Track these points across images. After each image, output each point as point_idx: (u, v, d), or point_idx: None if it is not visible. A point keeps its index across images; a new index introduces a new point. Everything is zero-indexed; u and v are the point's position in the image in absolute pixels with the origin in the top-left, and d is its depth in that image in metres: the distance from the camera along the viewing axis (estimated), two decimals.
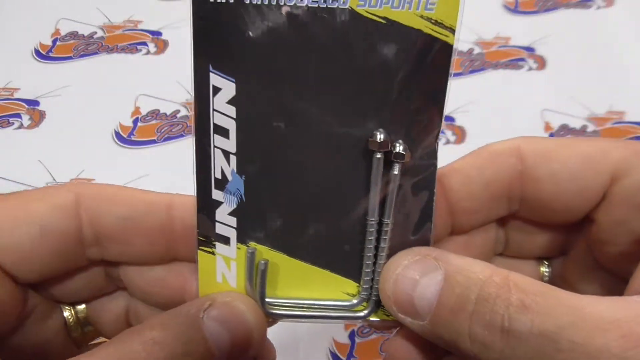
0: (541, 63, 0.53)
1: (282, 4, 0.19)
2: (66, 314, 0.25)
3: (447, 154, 0.50)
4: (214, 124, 0.20)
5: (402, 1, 0.19)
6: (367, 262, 0.22)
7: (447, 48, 0.19)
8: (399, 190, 0.21)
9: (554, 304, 0.18)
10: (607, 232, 0.23)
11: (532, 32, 0.55)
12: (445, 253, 0.21)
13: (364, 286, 0.22)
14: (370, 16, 0.19)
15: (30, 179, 0.45)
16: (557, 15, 0.56)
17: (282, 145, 0.21)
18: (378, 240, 0.22)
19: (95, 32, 0.55)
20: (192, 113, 0.50)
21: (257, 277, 0.22)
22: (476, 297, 0.19)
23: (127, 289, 0.25)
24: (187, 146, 0.47)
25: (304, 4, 0.19)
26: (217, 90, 0.20)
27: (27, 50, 0.53)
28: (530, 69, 0.53)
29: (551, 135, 0.48)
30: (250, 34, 0.19)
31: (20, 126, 0.48)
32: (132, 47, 0.54)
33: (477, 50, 0.54)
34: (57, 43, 0.54)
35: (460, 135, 0.48)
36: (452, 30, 0.19)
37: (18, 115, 0.49)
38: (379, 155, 0.21)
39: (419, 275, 0.20)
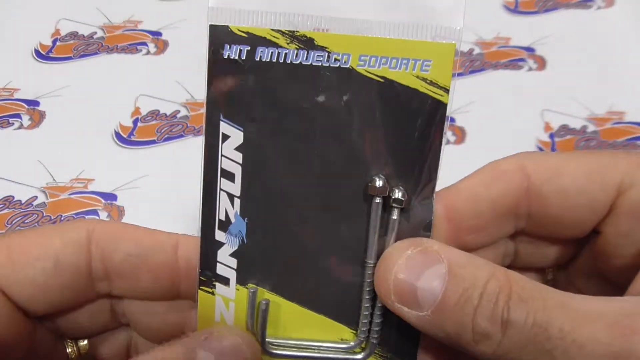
0: (541, 63, 0.53)
1: (288, 61, 0.20)
2: (69, 350, 0.26)
3: (447, 154, 0.50)
4: (222, 168, 0.22)
5: (399, 62, 0.20)
6: (366, 305, 0.23)
7: (442, 106, 0.21)
8: (397, 235, 0.22)
9: (546, 298, 0.19)
10: (612, 244, 0.23)
11: (532, 32, 0.55)
12: (445, 246, 0.21)
13: (362, 329, 0.23)
14: (369, 75, 0.20)
15: (30, 179, 0.45)
16: (557, 15, 0.56)
17: (285, 192, 0.22)
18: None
19: (95, 32, 0.55)
20: (192, 114, 0.50)
21: (258, 317, 0.23)
22: (481, 292, 0.19)
23: (130, 324, 0.26)
24: (187, 146, 0.48)
25: (309, 62, 0.20)
26: (226, 137, 0.21)
27: (27, 50, 0.53)
28: (530, 69, 0.53)
29: (551, 135, 0.48)
30: (259, 88, 0.21)
31: (20, 126, 0.48)
32: (132, 47, 0.54)
33: (477, 50, 0.54)
34: (57, 43, 0.54)
35: (460, 135, 0.48)
36: (446, 90, 0.20)
37: (18, 116, 0.49)
38: (377, 200, 0.22)
39: (423, 267, 0.20)
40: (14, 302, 0.22)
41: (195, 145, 0.48)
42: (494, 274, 0.20)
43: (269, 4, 0.20)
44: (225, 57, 0.20)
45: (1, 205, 0.44)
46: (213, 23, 0.20)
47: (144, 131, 0.48)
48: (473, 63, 0.53)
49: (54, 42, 0.54)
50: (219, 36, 0.20)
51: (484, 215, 0.24)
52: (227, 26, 0.20)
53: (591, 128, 0.49)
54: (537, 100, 0.51)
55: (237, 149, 0.21)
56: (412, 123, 0.21)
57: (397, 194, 0.21)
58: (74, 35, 0.55)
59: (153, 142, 0.48)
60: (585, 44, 0.54)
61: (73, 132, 0.48)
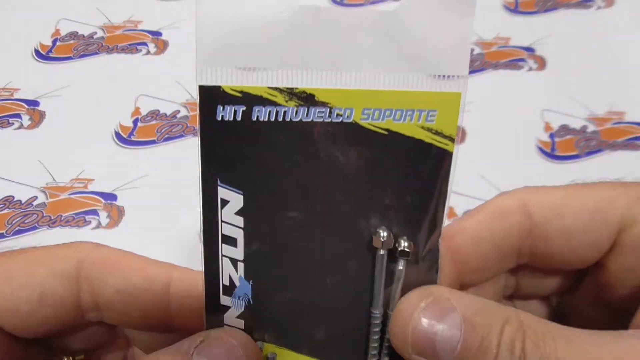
0: (541, 63, 0.53)
1: (288, 120, 0.19)
2: None
3: None
4: (222, 234, 0.21)
5: (404, 114, 0.20)
6: (373, 353, 0.23)
7: (447, 155, 0.20)
8: (404, 284, 0.22)
9: (557, 339, 0.19)
10: (615, 277, 0.23)
11: (532, 32, 0.55)
12: (455, 292, 0.21)
13: None
14: (373, 129, 0.20)
15: (30, 179, 0.45)
16: (557, 15, 0.57)
17: (289, 251, 0.21)
18: (383, 331, 0.22)
19: (95, 32, 0.55)
20: (192, 113, 0.50)
21: None
22: (498, 341, 0.19)
23: (127, 339, 0.26)
24: (186, 146, 0.48)
25: (310, 119, 0.19)
26: (225, 202, 0.20)
27: (27, 50, 0.53)
28: (530, 69, 0.53)
29: (551, 135, 0.48)
30: (258, 148, 0.20)
31: (20, 126, 0.48)
32: (132, 47, 0.54)
33: (477, 50, 0.54)
34: (57, 43, 0.54)
35: (461, 135, 0.48)
36: (452, 139, 0.20)
37: (18, 116, 0.49)
38: (382, 252, 0.21)
39: (438, 319, 0.20)
40: (4, 330, 0.22)
41: (196, 146, 0.48)
42: (507, 319, 0.20)
43: (264, 61, 0.19)
44: (219, 119, 0.19)
45: (1, 205, 0.44)
46: (202, 84, 0.19)
47: (144, 131, 0.48)
48: (473, 63, 0.53)
49: (54, 42, 0.54)
50: (210, 97, 0.19)
51: (487, 256, 0.24)
52: (219, 86, 0.19)
53: (591, 128, 0.49)
54: (537, 100, 0.51)
55: (238, 213, 0.21)
56: (418, 174, 0.20)
57: (403, 245, 0.21)
58: (74, 35, 0.55)
59: (153, 142, 0.48)
60: (585, 44, 0.54)
61: (73, 132, 0.48)
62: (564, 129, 0.49)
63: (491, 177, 0.45)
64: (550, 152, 0.48)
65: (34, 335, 0.23)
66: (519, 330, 0.19)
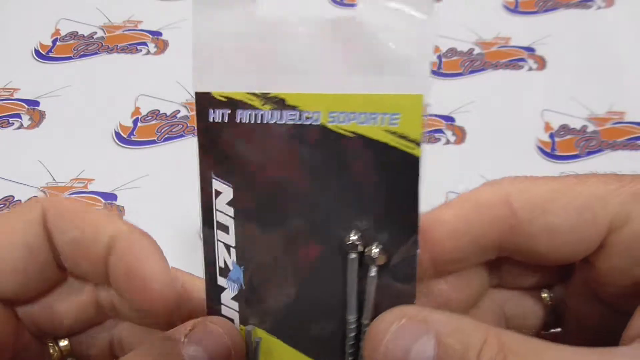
0: (541, 63, 0.53)
1: (265, 122, 0.21)
2: (50, 351, 0.25)
3: (447, 154, 0.50)
4: (217, 221, 0.23)
5: (368, 117, 0.20)
6: None
7: (413, 160, 0.20)
8: (377, 292, 0.22)
9: (542, 358, 0.18)
10: (605, 276, 0.22)
11: (532, 32, 0.55)
12: (432, 312, 0.20)
13: None
14: (340, 131, 0.21)
15: (30, 179, 0.45)
16: (557, 15, 0.57)
17: (272, 243, 0.23)
18: (358, 338, 0.22)
19: (95, 32, 0.55)
20: (192, 113, 0.50)
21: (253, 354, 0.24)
22: None
23: (116, 316, 0.26)
24: (186, 146, 0.48)
25: (283, 121, 0.21)
26: (218, 193, 0.23)
27: (27, 50, 0.53)
28: (530, 69, 0.53)
29: (551, 135, 0.48)
30: (243, 147, 0.22)
31: (20, 126, 0.48)
32: (132, 47, 0.54)
33: (477, 50, 0.54)
34: (57, 43, 0.54)
35: (461, 135, 0.48)
36: (417, 143, 0.20)
37: (18, 116, 0.49)
38: (353, 256, 0.22)
39: (410, 341, 0.19)
40: None
41: (196, 145, 0.48)
42: (486, 340, 0.19)
43: (242, 70, 0.21)
44: (211, 120, 0.22)
45: (1, 205, 0.44)
46: (198, 90, 0.22)
47: (144, 131, 0.48)
48: (473, 63, 0.53)
49: (54, 42, 0.54)
50: (204, 102, 0.22)
51: (464, 249, 0.23)
52: (209, 92, 0.21)
53: (591, 128, 0.49)
54: (537, 100, 0.51)
55: (229, 203, 0.23)
56: (385, 178, 0.21)
57: (373, 251, 0.21)
58: (74, 35, 0.55)
59: (153, 142, 0.48)
60: (585, 44, 0.54)
61: (73, 132, 0.48)
62: (564, 129, 0.49)
63: (491, 177, 0.45)
64: (550, 152, 0.48)
65: (27, 295, 0.23)
66: (499, 352, 0.18)
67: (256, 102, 0.21)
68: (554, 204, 0.22)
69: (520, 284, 0.25)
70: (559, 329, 0.26)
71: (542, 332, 0.26)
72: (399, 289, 0.21)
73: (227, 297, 0.23)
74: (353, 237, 0.21)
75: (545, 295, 0.26)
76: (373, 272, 0.21)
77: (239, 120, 0.21)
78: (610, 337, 0.20)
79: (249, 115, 0.21)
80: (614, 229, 0.21)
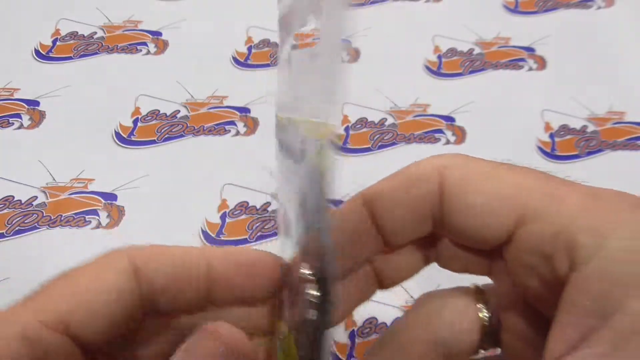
0: (541, 63, 0.53)
1: None
2: None
3: None
4: None
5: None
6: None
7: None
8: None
9: None
10: (516, 273, 0.22)
11: (532, 32, 0.55)
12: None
13: None
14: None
15: (30, 179, 0.45)
16: (557, 15, 0.57)
17: None
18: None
19: (95, 32, 0.55)
20: (192, 114, 0.50)
21: None
22: None
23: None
24: (186, 146, 0.48)
25: None
26: None
27: (27, 50, 0.53)
28: (530, 69, 0.53)
29: (551, 135, 0.48)
30: None
31: (20, 126, 0.48)
32: (132, 47, 0.54)
33: (477, 50, 0.54)
34: (57, 43, 0.54)
35: (460, 135, 0.48)
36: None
37: (18, 116, 0.49)
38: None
39: None
40: (79, 340, 0.22)
41: (195, 145, 0.48)
42: None
43: None
44: None
45: (1, 205, 0.44)
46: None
47: (144, 131, 0.48)
48: (473, 63, 0.53)
49: (54, 42, 0.54)
50: None
51: (402, 220, 0.24)
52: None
53: (591, 128, 0.49)
54: (537, 100, 0.51)
55: None
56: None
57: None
58: (74, 35, 0.55)
59: (153, 142, 0.48)
60: (585, 44, 0.54)
61: (73, 132, 0.48)
62: (564, 129, 0.49)
63: None
64: (550, 152, 0.48)
65: (106, 338, 0.22)
66: None
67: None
68: (479, 185, 0.22)
69: (452, 266, 0.25)
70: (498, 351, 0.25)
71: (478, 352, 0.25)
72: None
73: None
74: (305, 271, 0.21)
75: (484, 311, 0.25)
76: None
77: None
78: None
79: None
80: (522, 222, 0.21)
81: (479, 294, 0.25)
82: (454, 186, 0.23)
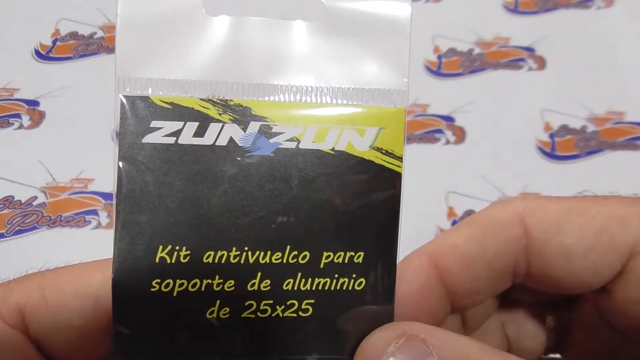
0: (541, 63, 0.53)
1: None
2: None
3: (447, 154, 0.50)
4: None
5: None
6: None
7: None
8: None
9: None
10: (622, 306, 0.20)
11: (532, 32, 0.55)
12: (432, 330, 0.18)
13: None
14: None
15: (30, 179, 0.45)
16: (557, 15, 0.56)
17: None
18: None
19: (95, 32, 0.55)
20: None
21: None
22: None
23: None
24: None
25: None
26: None
27: (27, 50, 0.53)
28: (530, 69, 0.53)
29: (551, 135, 0.48)
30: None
31: (20, 126, 0.48)
32: None
33: (477, 50, 0.54)
34: (57, 43, 0.54)
35: (460, 135, 0.48)
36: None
37: (18, 116, 0.49)
38: None
39: None
40: (46, 352, 0.19)
41: None
42: None
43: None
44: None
45: (1, 205, 0.44)
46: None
47: None
48: (473, 63, 0.53)
49: (54, 42, 0.54)
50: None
51: (479, 277, 0.21)
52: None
53: (591, 128, 0.49)
54: (537, 100, 0.51)
55: None
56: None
57: None
58: (74, 35, 0.55)
59: None
60: (585, 44, 0.54)
61: (73, 132, 0.48)
62: (564, 129, 0.49)
63: (491, 177, 0.45)
64: (550, 152, 0.48)
65: (67, 342, 0.20)
66: None
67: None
68: (570, 224, 0.20)
69: (526, 311, 0.24)
70: (558, 355, 0.25)
71: (543, 356, 0.25)
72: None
73: None
74: None
75: (550, 318, 0.24)
76: None
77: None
78: None
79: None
80: (635, 254, 0.19)
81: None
82: (541, 230, 0.20)
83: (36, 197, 0.44)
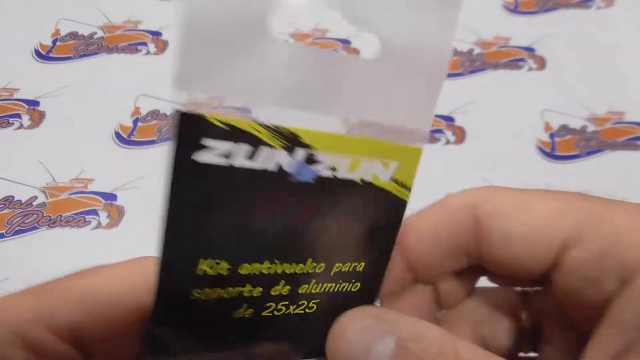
0: (541, 63, 0.53)
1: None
2: None
3: (447, 154, 0.50)
4: None
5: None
6: None
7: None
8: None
9: None
10: (563, 298, 0.22)
11: (532, 32, 0.55)
12: (398, 315, 0.20)
13: None
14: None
15: (30, 179, 0.45)
16: (557, 15, 0.57)
17: None
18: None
19: (95, 32, 0.55)
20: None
21: None
22: None
23: None
24: None
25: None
26: None
27: (27, 50, 0.53)
28: (530, 69, 0.53)
29: (551, 135, 0.48)
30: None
31: (20, 126, 0.48)
32: (132, 47, 0.54)
33: (477, 50, 0.54)
34: (57, 43, 0.54)
35: (460, 135, 0.48)
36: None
37: (18, 116, 0.49)
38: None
39: (372, 340, 0.19)
40: (86, 351, 0.20)
41: None
42: (441, 352, 0.19)
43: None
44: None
45: (1, 205, 0.44)
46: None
47: (144, 131, 0.48)
48: (473, 63, 0.53)
49: (54, 42, 0.54)
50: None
51: (434, 254, 0.23)
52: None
53: (591, 128, 0.49)
54: (537, 100, 0.51)
55: None
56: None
57: None
58: (74, 35, 0.55)
59: (153, 142, 0.48)
60: (585, 44, 0.54)
61: (73, 132, 0.48)
62: (564, 129, 0.49)
63: (491, 177, 0.45)
64: (550, 152, 0.48)
65: (118, 351, 0.20)
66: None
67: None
68: (514, 214, 0.22)
69: (500, 301, 0.25)
70: (534, 354, 0.25)
71: (521, 354, 0.25)
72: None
73: None
74: None
75: (525, 316, 0.25)
76: None
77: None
78: None
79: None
80: (567, 247, 0.21)
81: (524, 296, 0.25)
82: (489, 218, 0.22)
83: (36, 197, 0.44)
